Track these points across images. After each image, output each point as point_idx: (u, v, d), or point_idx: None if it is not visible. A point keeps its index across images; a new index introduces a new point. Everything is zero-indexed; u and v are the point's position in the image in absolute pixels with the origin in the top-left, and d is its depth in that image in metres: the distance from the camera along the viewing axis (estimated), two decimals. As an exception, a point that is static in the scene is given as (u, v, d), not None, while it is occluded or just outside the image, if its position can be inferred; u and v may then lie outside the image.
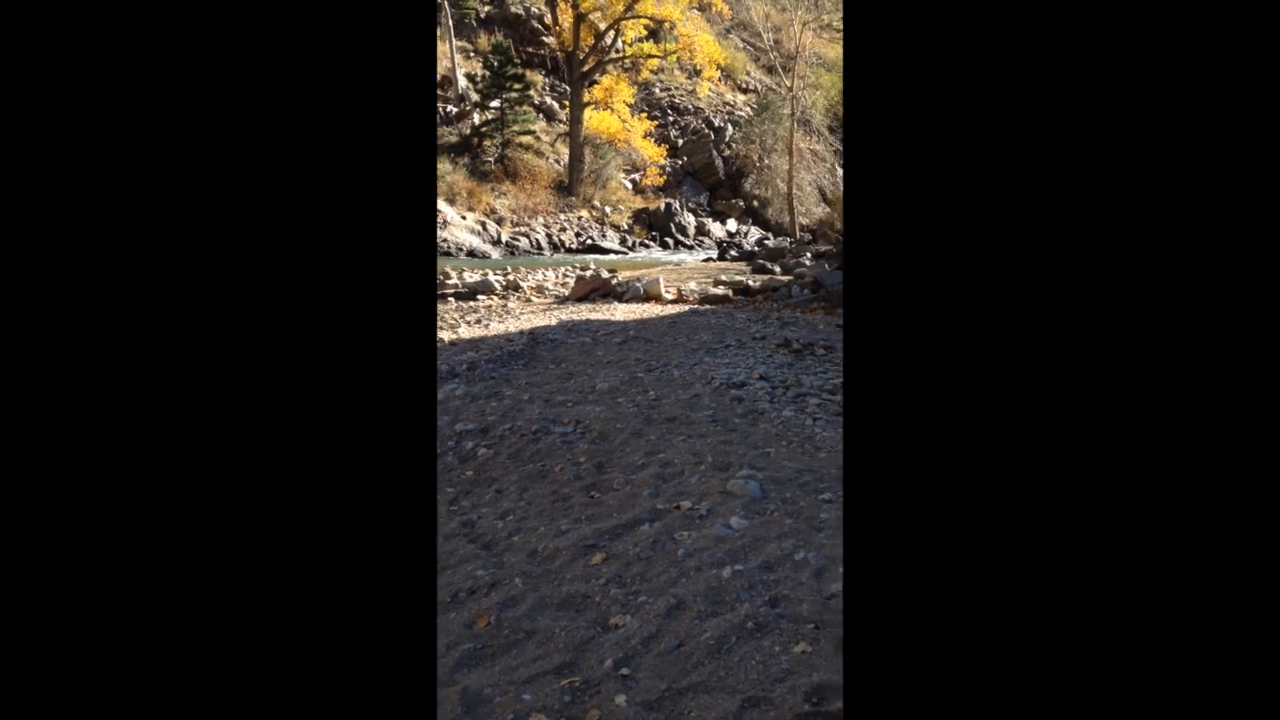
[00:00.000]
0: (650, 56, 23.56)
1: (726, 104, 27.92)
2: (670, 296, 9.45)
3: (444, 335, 6.86)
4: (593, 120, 22.01)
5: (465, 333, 6.97)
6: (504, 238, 18.91)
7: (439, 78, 23.09)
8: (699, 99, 27.34)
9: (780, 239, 20.39)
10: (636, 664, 1.85)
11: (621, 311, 8.26)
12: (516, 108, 21.25)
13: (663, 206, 21.85)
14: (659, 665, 1.83)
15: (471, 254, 17.61)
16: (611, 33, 21.66)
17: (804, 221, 21.36)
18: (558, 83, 25.06)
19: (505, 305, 9.13)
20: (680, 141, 25.47)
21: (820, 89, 25.28)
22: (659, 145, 24.16)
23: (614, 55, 22.65)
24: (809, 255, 14.41)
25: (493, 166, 20.78)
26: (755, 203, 23.54)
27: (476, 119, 21.56)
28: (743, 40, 30.37)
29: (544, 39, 25.20)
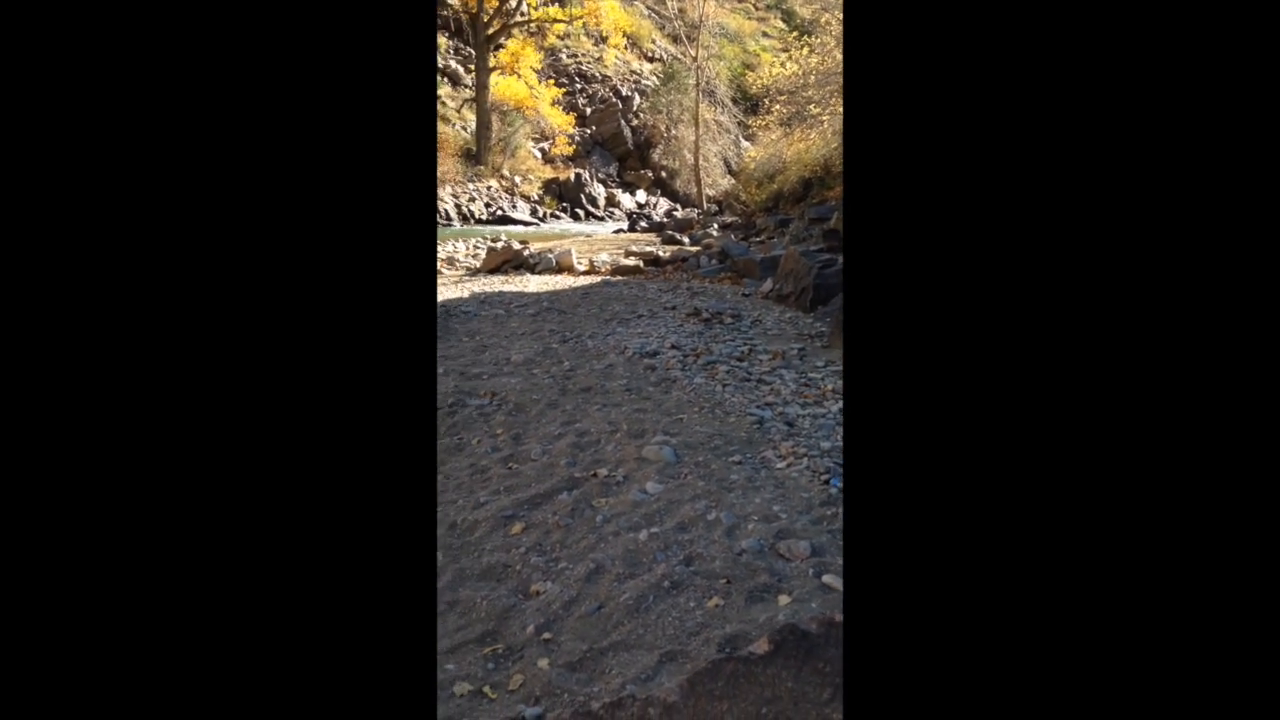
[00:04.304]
0: (556, 21, 23.08)
1: (633, 73, 27.74)
2: (583, 268, 9.43)
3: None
4: (499, 86, 21.44)
5: (371, 307, 6.76)
6: (409, 208, 18.26)
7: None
8: (606, 67, 27.05)
9: (688, 210, 20.57)
10: (558, 628, 1.90)
11: (534, 283, 8.19)
12: (418, 71, 20.39)
13: (573, 177, 21.62)
14: (580, 628, 1.90)
15: (374, 225, 16.92)
16: (516, -5, 21.07)
17: (710, 193, 21.62)
18: (462, 46, 24.19)
19: (413, 278, 8.87)
20: (589, 110, 25.17)
21: (724, 59, 25.48)
22: (567, 114, 23.82)
23: (519, 19, 22.04)
24: (716, 226, 14.64)
25: (394, 133, 19.94)
26: (663, 174, 23.63)
27: (375, 82, 20.56)
28: (648, 8, 30.13)
29: (445, -1, 24.23)
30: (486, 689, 1.68)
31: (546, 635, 1.87)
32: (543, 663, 1.76)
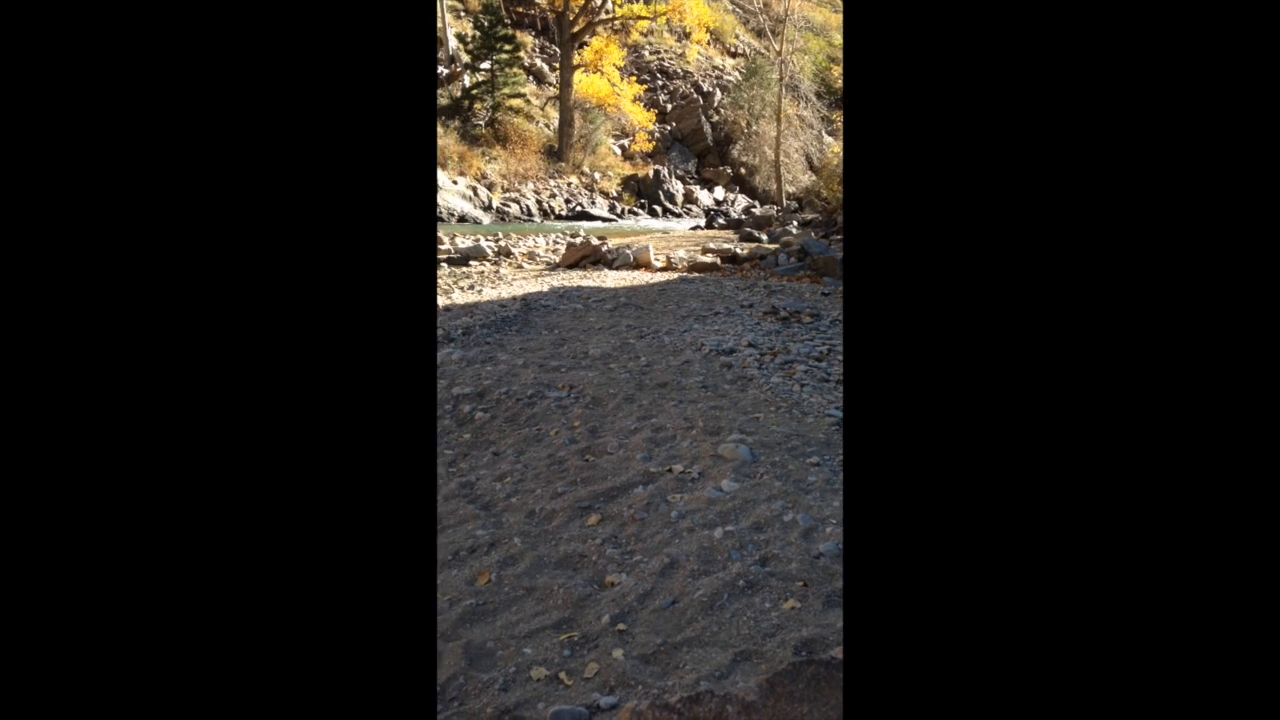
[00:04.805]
0: (640, 18, 23.16)
1: (715, 68, 27.56)
2: (660, 264, 9.45)
3: (439, 301, 6.85)
4: (582, 84, 21.70)
5: (459, 298, 6.97)
6: (495, 203, 18.75)
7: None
8: (688, 63, 26.97)
9: (767, 207, 20.33)
10: (632, 620, 1.92)
11: (612, 278, 8.27)
12: (507, 69, 20.90)
13: (651, 173, 21.68)
14: (654, 621, 1.91)
15: (463, 219, 17.45)
16: (601, -7, 21.26)
17: (791, 189, 21.29)
18: (547, 44, 24.60)
19: (498, 271, 9.10)
20: (669, 106, 25.17)
21: (809, 54, 25.00)
22: (648, 110, 23.88)
23: (604, 16, 22.24)
24: (795, 223, 14.40)
25: (483, 130, 20.49)
26: (743, 170, 23.40)
27: (467, 81, 21.18)
28: (732, 2, 29.86)
29: (532, -2, 24.67)
30: (562, 675, 1.72)
31: (621, 626, 1.90)
32: (617, 653, 1.78)
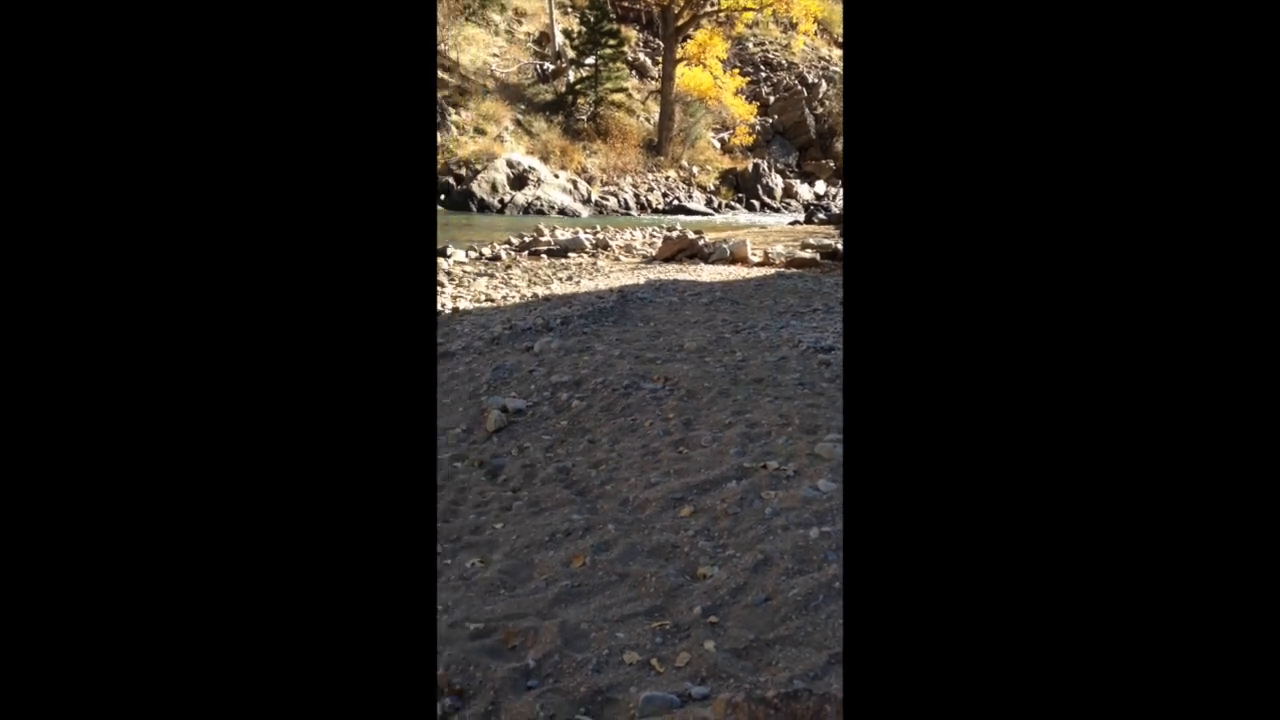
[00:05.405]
0: (745, 10, 22.87)
1: (822, 59, 26.90)
2: (756, 259, 9.34)
3: (539, 290, 7.05)
4: (684, 77, 21.67)
5: (558, 289, 7.13)
6: (593, 196, 19.04)
7: (539, 34, 23.16)
8: (793, 54, 26.45)
9: (873, 202, 19.66)
10: (724, 613, 1.92)
11: (708, 272, 8.24)
12: (610, 64, 21.14)
13: (750, 167, 21.42)
14: (747, 616, 1.90)
15: (562, 212, 17.82)
16: (707, -15, 21.14)
17: (899, 184, 20.49)
18: (651, 38, 24.70)
19: (595, 263, 9.25)
20: (771, 99, 24.77)
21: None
22: (750, 103, 23.59)
23: (708, 9, 22.10)
24: (903, 220, 13.88)
25: (585, 125, 20.83)
26: (848, 164, 22.74)
27: (571, 76, 21.57)
28: (843, -8, 29.02)
29: (638, -8, 24.81)
30: (654, 661, 1.73)
31: (713, 619, 1.90)
32: (709, 644, 1.78)
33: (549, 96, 21.44)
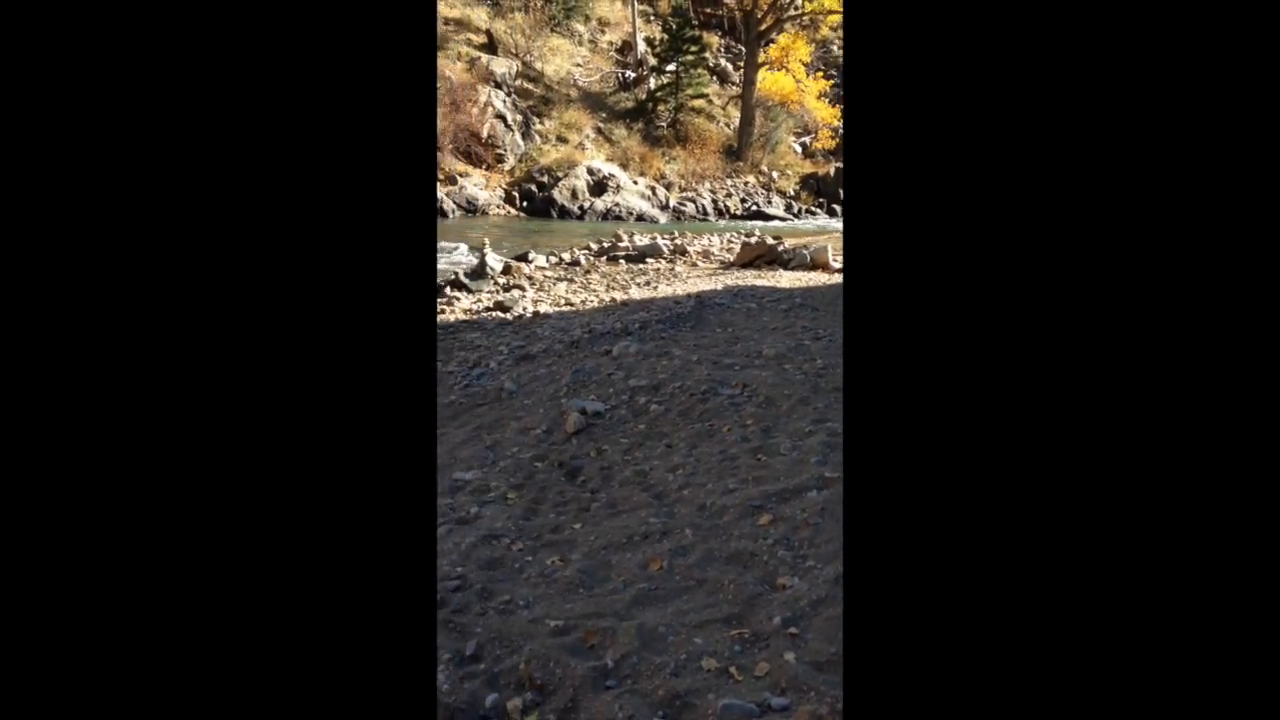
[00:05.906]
0: (831, 13, 22.47)
1: (910, 62, 26.11)
2: (838, 265, 9.14)
3: (617, 295, 7.12)
4: (766, 81, 21.47)
5: (636, 294, 7.18)
6: (672, 203, 19.09)
7: (621, 43, 23.46)
8: (880, 57, 25.77)
9: (961, 208, 18.97)
10: (804, 625, 1.88)
11: (787, 278, 8.12)
12: (691, 70, 21.17)
13: (832, 171, 21.01)
14: (827, 629, 1.86)
15: (640, 218, 17.94)
16: (791, -11, 20.92)
17: (990, 189, 19.69)
18: (733, 43, 24.60)
19: (673, 269, 9.26)
20: (856, 103, 24.21)
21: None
22: (833, 106, 23.15)
23: (792, 12, 21.84)
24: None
25: (665, 131, 20.91)
26: (935, 168, 22.01)
27: (652, 83, 21.72)
28: (933, -9, 28.15)
29: (721, -1, 24.77)
30: (733, 669, 1.72)
31: (793, 630, 1.86)
32: (789, 656, 1.75)
33: (630, 104, 21.64)
